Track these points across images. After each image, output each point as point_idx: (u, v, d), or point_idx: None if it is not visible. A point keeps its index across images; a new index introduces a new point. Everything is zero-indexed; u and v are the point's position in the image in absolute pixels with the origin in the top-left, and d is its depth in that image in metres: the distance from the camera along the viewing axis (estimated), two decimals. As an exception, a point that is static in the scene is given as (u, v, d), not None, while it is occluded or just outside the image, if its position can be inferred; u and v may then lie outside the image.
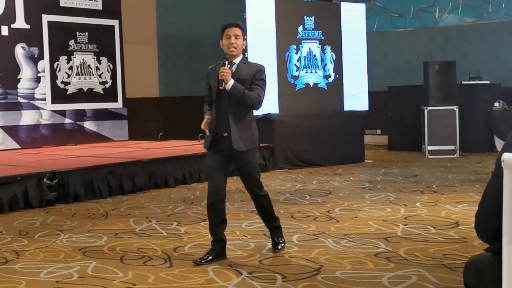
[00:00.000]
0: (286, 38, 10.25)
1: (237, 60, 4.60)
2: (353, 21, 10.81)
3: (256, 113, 10.76)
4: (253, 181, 4.70)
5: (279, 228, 4.86)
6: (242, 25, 4.70)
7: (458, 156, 11.02)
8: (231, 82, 4.46)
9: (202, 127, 4.60)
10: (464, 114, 11.19)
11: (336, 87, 10.59)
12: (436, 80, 11.23)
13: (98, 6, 11.37)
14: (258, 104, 4.59)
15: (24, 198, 6.97)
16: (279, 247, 4.78)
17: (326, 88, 10.52)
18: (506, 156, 1.98)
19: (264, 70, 4.68)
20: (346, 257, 4.58)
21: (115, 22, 11.67)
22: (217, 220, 4.59)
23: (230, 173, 4.93)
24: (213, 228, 4.60)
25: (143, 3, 12.79)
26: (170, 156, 8.75)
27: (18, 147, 10.26)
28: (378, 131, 13.78)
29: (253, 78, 4.56)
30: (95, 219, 6.34)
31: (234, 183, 8.58)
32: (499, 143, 11.23)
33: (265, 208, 4.80)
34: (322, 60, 10.50)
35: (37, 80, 10.62)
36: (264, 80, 4.63)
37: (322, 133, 10.25)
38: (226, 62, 4.53)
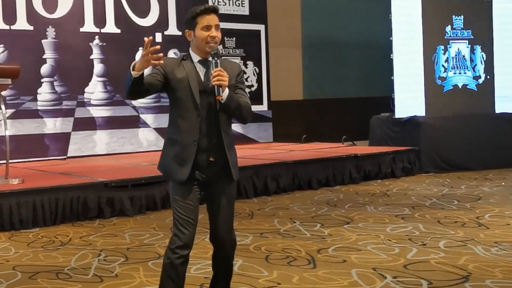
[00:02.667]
0: (433, 39, 9.99)
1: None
2: (507, 19, 10.31)
3: (401, 115, 10.60)
4: (231, 223, 3.54)
5: None
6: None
7: None
8: (227, 90, 3.17)
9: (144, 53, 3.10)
10: None
11: (487, 88, 10.16)
12: None
13: (245, 11, 11.70)
14: (251, 117, 3.42)
15: (176, 197, 7.31)
16: None
17: (476, 90, 10.13)
18: None
19: None
20: (497, 265, 4.39)
21: (261, 27, 11.96)
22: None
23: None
24: None
25: (288, 7, 12.98)
26: (314, 158, 8.82)
27: (170, 148, 10.77)
28: (533, 134, 13.01)
29: (236, 81, 3.33)
30: (242, 218, 6.53)
31: (378, 187, 8.49)
32: None
33: (230, 266, 3.62)
34: (472, 60, 10.13)
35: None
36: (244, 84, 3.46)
37: (471, 136, 9.86)
38: (218, 61, 3.20)
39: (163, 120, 10.81)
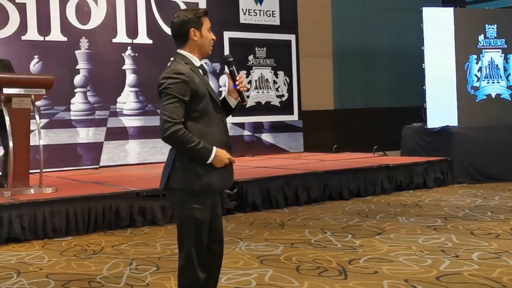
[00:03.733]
0: (466, 48, 9.89)
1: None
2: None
3: (433, 125, 10.53)
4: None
5: None
6: None
7: None
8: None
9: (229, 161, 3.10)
10: None
11: (521, 98, 10.03)
12: None
13: (276, 21, 11.74)
14: None
15: (206, 206, 7.33)
16: None
17: (509, 99, 10.01)
18: None
19: None
20: (532, 278, 4.32)
21: (292, 37, 11.99)
22: None
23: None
24: None
25: (319, 17, 12.98)
26: (345, 168, 8.78)
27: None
28: None
29: None
30: (272, 228, 6.53)
31: (409, 197, 8.42)
32: None
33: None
34: (505, 69, 10.01)
35: (219, 94, 11.17)
36: None
37: (505, 146, 9.72)
38: (234, 68, 3.27)
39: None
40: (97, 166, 9.93)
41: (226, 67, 3.26)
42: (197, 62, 3.17)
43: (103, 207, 6.62)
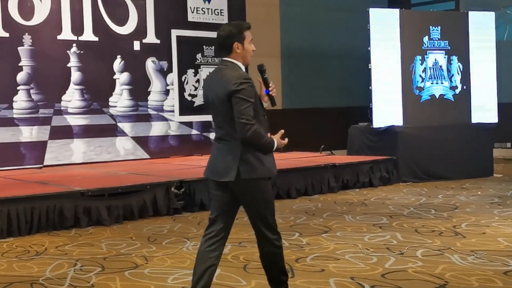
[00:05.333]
0: (411, 49, 10.06)
1: None
2: (482, 30, 10.43)
3: (378, 125, 10.67)
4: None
5: None
6: None
7: None
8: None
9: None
10: None
11: (463, 98, 10.26)
12: None
13: (224, 20, 11.71)
14: None
15: (153, 206, 7.27)
16: None
17: (453, 100, 10.22)
18: None
19: None
20: (473, 274, 4.41)
21: (240, 36, 11.94)
22: None
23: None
24: None
25: (267, 16, 13.02)
26: (293, 167, 8.82)
27: (148, 157, 10.73)
28: (508, 144, 13.16)
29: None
30: (219, 227, 6.49)
31: (356, 196, 8.52)
32: None
33: (272, 261, 3.82)
34: (449, 70, 10.22)
35: (166, 92, 11.10)
36: None
37: (448, 145, 9.94)
38: (267, 76, 3.80)
39: (141, 129, 10.76)
40: (41, 166, 9.71)
41: (260, 74, 3.79)
42: (243, 68, 3.66)
43: (47, 207, 6.48)
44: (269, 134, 3.62)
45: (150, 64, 10.94)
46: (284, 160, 9.87)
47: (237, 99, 3.45)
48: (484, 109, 10.33)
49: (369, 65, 9.96)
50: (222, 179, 3.58)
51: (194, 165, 9.34)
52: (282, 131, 3.76)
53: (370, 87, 9.94)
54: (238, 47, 3.60)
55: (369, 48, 9.94)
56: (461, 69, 10.26)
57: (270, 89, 3.73)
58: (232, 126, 3.51)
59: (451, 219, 6.57)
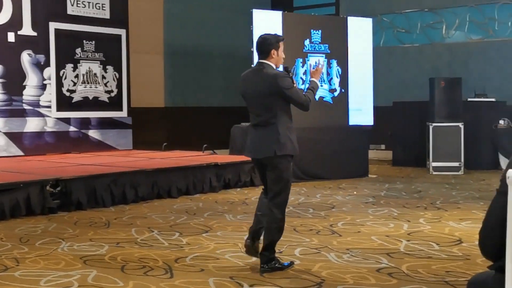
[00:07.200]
0: (292, 52, 10.23)
1: None
2: (360, 35, 10.80)
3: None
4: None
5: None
6: None
7: (462, 173, 10.97)
8: None
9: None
10: (469, 131, 11.15)
11: (342, 101, 10.57)
12: (441, 96, 11.22)
13: (106, 15, 11.41)
14: None
15: (26, 205, 6.96)
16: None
17: (332, 102, 10.51)
18: (511, 173, 1.96)
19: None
20: (348, 271, 4.55)
21: (122, 32, 11.71)
22: None
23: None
24: None
25: (151, 13, 12.84)
26: (174, 166, 8.74)
27: (22, 154, 10.26)
28: (383, 146, 13.76)
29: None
30: (97, 227, 6.32)
31: (237, 195, 8.57)
32: (503, 161, 11.19)
33: (268, 222, 4.74)
34: (328, 74, 10.50)
35: (43, 87, 10.65)
36: None
37: (327, 147, 10.23)
38: (293, 76, 4.84)
39: (15, 125, 10.27)
40: None
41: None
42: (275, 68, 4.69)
43: None
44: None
45: (26, 57, 10.45)
46: (166, 159, 9.77)
47: (286, 91, 4.53)
48: (361, 112, 10.70)
49: (252, 65, 10.04)
50: (259, 156, 4.61)
51: (71, 163, 9.03)
52: (318, 65, 5.02)
53: (252, 88, 10.01)
54: (273, 53, 4.61)
55: (252, 49, 10.03)
56: (340, 73, 10.58)
57: (294, 86, 4.68)
58: (268, 114, 4.58)
59: (328, 218, 6.75)
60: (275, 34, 4.71)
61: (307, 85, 5.93)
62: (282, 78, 4.54)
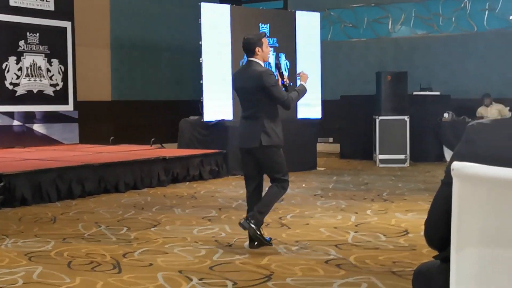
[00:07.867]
0: (240, 45, 10.23)
1: None
2: (308, 29, 10.88)
3: (209, 119, 10.72)
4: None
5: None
6: None
7: (408, 165, 11.18)
8: None
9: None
10: (415, 124, 11.36)
11: (290, 94, 10.62)
12: (388, 90, 11.40)
13: (50, 7, 11.17)
14: None
15: (-32, 202, 6.78)
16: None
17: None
18: (455, 165, 2.00)
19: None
20: (297, 263, 4.58)
21: (67, 24, 11.48)
22: None
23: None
24: None
25: (96, 5, 12.64)
26: (121, 160, 8.64)
27: (-36, 149, 9.98)
28: (331, 140, 13.90)
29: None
30: (43, 223, 6.20)
31: (185, 189, 8.53)
32: (448, 153, 11.44)
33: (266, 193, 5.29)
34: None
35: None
36: None
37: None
38: (283, 71, 5.56)
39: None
40: None
41: (276, 70, 5.34)
42: (263, 64, 5.10)
43: None
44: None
45: (-33, 50, 10.16)
46: (113, 153, 9.65)
47: (270, 86, 4.90)
48: (309, 106, 10.77)
49: (200, 59, 10.00)
50: (247, 146, 5.01)
51: (16, 158, 8.83)
52: (300, 72, 5.36)
53: (201, 81, 9.99)
54: (258, 50, 5.03)
55: (200, 43, 9.98)
56: (289, 66, 10.63)
57: (285, 80, 5.14)
58: (256, 108, 4.97)
59: (277, 211, 6.77)
60: (258, 33, 5.36)
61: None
62: (268, 75, 4.94)
